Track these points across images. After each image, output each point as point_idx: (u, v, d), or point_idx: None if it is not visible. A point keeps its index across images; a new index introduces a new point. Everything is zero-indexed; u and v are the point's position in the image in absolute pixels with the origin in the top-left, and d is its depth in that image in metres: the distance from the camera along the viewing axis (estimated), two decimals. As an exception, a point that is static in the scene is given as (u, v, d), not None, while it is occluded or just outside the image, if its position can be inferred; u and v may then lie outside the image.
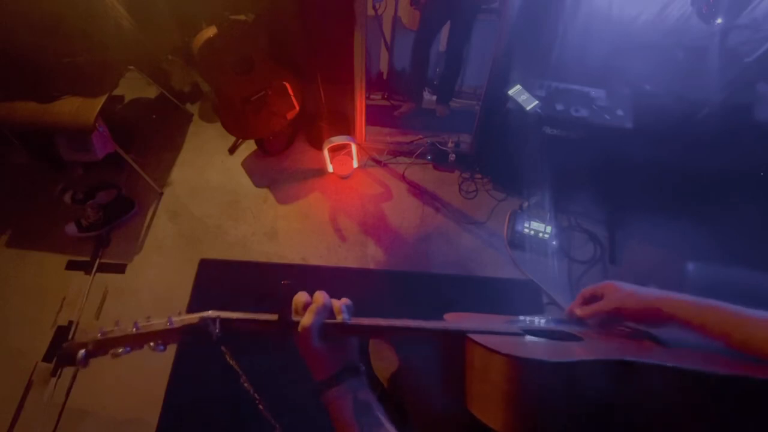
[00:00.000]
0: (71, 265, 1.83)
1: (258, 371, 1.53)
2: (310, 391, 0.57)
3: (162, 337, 0.55)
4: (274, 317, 0.57)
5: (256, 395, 0.59)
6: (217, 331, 0.55)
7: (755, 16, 1.63)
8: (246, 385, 0.59)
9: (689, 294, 0.63)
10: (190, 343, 0.57)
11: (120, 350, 0.54)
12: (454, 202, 2.06)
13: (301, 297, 0.58)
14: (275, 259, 1.86)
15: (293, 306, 0.58)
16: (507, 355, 0.52)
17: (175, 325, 0.55)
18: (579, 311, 0.73)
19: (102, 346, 0.54)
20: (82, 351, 0.53)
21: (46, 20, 1.63)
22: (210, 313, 0.56)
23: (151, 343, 0.55)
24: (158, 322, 0.56)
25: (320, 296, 0.58)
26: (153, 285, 1.79)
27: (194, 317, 0.56)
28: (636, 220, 1.99)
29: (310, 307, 0.56)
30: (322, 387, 0.56)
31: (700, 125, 1.74)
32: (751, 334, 0.55)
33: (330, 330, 0.57)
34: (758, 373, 0.52)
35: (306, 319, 0.55)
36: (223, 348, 0.57)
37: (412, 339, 0.63)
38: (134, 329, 0.55)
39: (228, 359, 0.58)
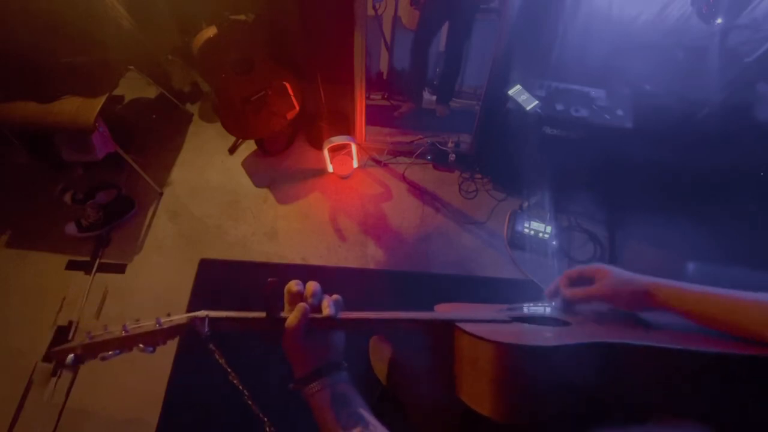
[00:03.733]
0: (71, 265, 1.83)
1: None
2: (291, 385, 0.57)
3: (151, 338, 0.55)
4: (262, 315, 0.57)
5: (245, 391, 0.59)
6: (206, 330, 0.55)
7: (755, 16, 1.62)
8: (235, 381, 0.59)
9: None
10: (187, 340, 0.57)
11: (109, 353, 0.53)
12: (454, 202, 2.06)
13: (293, 286, 0.58)
14: (275, 259, 1.86)
15: (285, 294, 0.58)
16: (495, 342, 0.52)
17: (164, 326, 0.55)
18: (568, 292, 0.72)
19: (90, 350, 0.54)
20: (71, 355, 0.53)
21: (46, 20, 1.64)
22: (199, 312, 0.56)
23: (141, 345, 0.54)
24: (147, 324, 0.55)
25: (311, 289, 0.58)
26: (153, 285, 1.79)
27: (182, 318, 0.56)
28: (636, 220, 1.99)
29: (297, 305, 0.56)
30: (301, 383, 0.56)
31: (700, 125, 1.74)
32: (738, 316, 0.57)
33: (318, 325, 0.57)
34: (743, 350, 0.53)
35: (292, 318, 0.55)
36: (211, 346, 0.57)
37: (402, 330, 0.63)
38: (123, 332, 0.54)
39: (217, 358, 0.58)
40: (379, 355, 1.50)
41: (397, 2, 2.13)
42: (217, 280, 1.80)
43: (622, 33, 1.77)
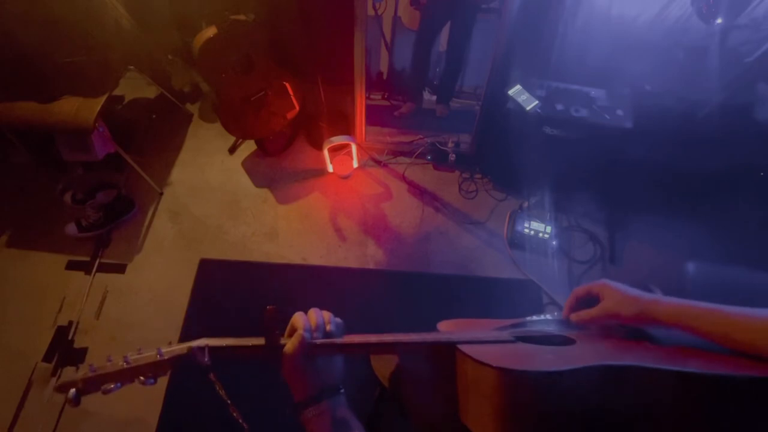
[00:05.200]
0: (71, 265, 1.83)
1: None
2: (289, 410, 0.57)
3: (152, 369, 0.55)
4: (261, 342, 0.57)
5: (245, 424, 0.59)
6: (206, 359, 0.55)
7: (755, 16, 1.63)
8: (234, 414, 0.58)
9: (689, 295, 0.63)
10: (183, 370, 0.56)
11: (111, 386, 0.53)
12: (454, 202, 2.06)
13: (299, 319, 0.59)
14: (275, 259, 1.86)
15: (289, 326, 0.59)
16: (498, 368, 0.51)
17: (165, 357, 0.55)
18: (574, 317, 0.71)
19: (93, 383, 0.53)
20: (73, 390, 0.52)
21: (46, 20, 1.64)
22: (199, 342, 0.56)
23: (141, 377, 0.54)
24: (148, 354, 0.55)
25: (313, 317, 0.59)
26: (153, 285, 1.79)
27: (183, 347, 0.56)
28: (636, 220, 1.99)
29: (296, 332, 0.56)
30: (300, 407, 0.56)
31: (700, 125, 1.74)
32: (744, 334, 0.56)
33: (318, 351, 0.57)
34: (752, 371, 0.52)
35: (290, 346, 0.56)
36: (212, 377, 0.56)
37: (404, 352, 0.62)
38: (125, 363, 0.54)
39: (217, 390, 0.57)
40: (380, 356, 1.50)
41: (397, 2, 2.14)
42: (217, 280, 1.80)
43: (622, 33, 1.77)
